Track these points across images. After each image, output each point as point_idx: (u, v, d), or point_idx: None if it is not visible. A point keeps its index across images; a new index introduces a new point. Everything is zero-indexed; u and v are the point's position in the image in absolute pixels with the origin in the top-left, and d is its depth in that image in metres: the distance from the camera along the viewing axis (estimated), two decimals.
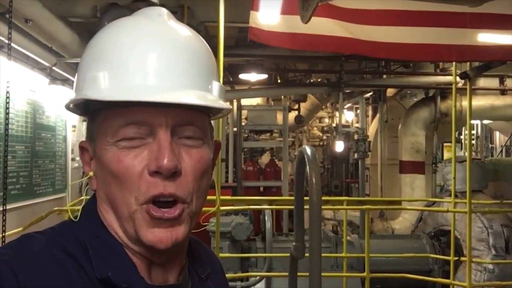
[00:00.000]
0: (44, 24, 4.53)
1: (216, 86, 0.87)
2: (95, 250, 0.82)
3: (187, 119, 0.83)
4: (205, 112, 0.87)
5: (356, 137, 8.56)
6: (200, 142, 0.84)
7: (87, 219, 0.86)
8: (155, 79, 0.80)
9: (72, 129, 7.81)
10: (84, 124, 7.92)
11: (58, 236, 0.83)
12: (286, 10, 3.14)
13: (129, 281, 0.81)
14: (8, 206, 5.42)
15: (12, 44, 3.98)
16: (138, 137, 0.81)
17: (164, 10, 0.88)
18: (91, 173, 0.87)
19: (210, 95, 0.85)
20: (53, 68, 5.99)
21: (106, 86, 0.80)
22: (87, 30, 5.50)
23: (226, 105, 0.88)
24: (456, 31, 3.27)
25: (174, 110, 0.80)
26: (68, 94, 6.95)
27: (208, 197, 0.91)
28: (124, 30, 0.85)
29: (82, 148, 0.90)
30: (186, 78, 0.82)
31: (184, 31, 0.87)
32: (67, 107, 0.88)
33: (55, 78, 6.52)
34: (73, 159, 7.82)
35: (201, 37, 0.90)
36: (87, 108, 0.87)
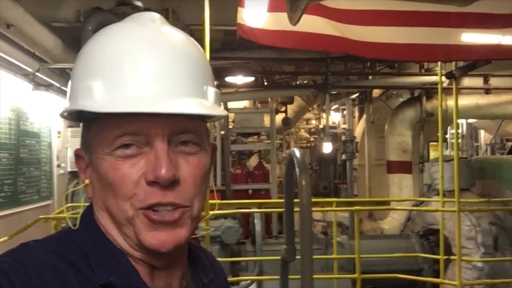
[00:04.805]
0: (27, 29, 4.46)
1: (211, 91, 0.86)
2: (95, 256, 0.82)
3: (184, 127, 0.82)
4: (201, 118, 0.87)
5: (343, 138, 8.59)
6: (197, 148, 0.84)
7: (85, 227, 0.86)
8: (150, 88, 0.78)
9: (57, 135, 7.71)
10: (69, 130, 7.84)
11: (56, 244, 0.83)
12: (274, 7, 3.11)
13: (132, 285, 0.81)
14: None
15: None
16: (134, 144, 0.80)
17: (156, 15, 0.86)
18: (87, 181, 0.87)
19: (207, 102, 0.84)
20: (37, 74, 5.91)
21: (100, 97, 0.78)
22: (70, 35, 5.42)
23: (223, 111, 0.87)
24: (443, 31, 3.29)
25: (171, 118, 0.79)
26: (51, 99, 6.86)
27: None
28: (117, 37, 0.83)
29: (77, 155, 0.90)
30: (183, 86, 0.81)
31: (178, 37, 0.86)
32: (62, 115, 0.88)
33: (38, 84, 6.43)
34: (58, 166, 7.72)
35: (195, 41, 0.88)
36: (81, 115, 0.86)
